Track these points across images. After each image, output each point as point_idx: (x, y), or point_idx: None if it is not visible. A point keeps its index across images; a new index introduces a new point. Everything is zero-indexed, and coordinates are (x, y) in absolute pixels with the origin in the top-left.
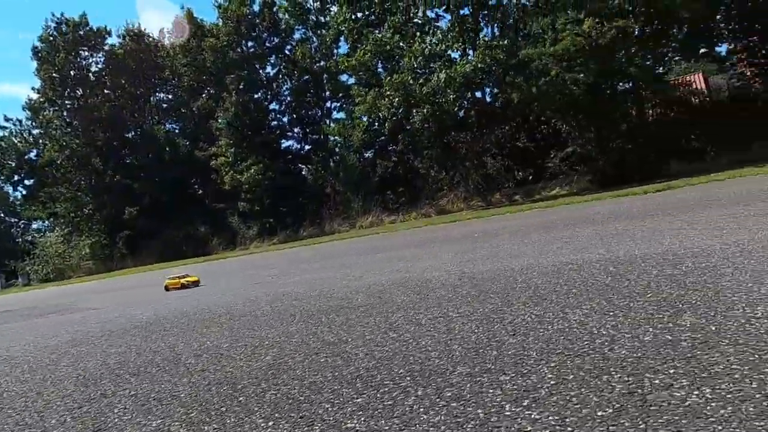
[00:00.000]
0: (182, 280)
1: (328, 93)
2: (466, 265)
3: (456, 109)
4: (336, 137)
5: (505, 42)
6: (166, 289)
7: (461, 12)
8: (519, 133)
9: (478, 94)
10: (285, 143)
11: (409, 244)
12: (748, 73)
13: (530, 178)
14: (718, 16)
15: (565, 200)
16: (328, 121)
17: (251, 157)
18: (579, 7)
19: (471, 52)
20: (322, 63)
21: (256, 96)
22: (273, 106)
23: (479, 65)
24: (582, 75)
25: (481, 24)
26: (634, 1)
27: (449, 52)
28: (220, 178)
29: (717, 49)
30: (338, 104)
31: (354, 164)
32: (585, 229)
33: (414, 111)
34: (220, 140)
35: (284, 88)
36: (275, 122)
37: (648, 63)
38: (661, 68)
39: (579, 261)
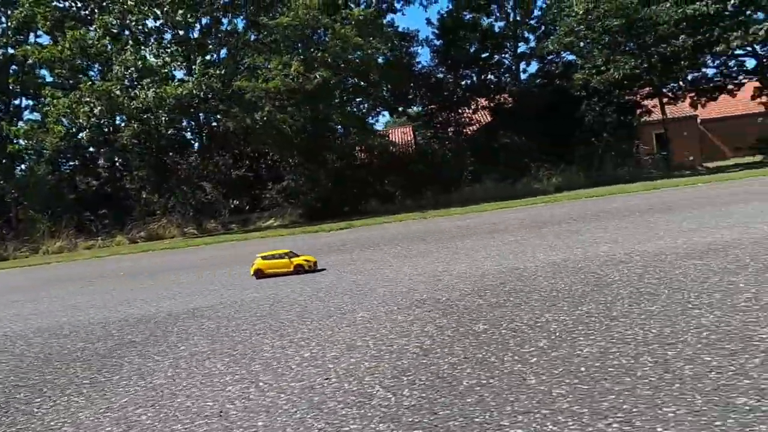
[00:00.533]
0: (294, 260)
1: (18, 88)
2: None
3: (169, 131)
4: (23, 141)
5: (223, 71)
6: (259, 274)
7: (189, 32)
8: (240, 162)
9: (202, 117)
10: None
11: None
12: (428, 134)
13: (247, 207)
14: (411, 84)
15: (275, 231)
16: (15, 120)
17: None
18: (290, 52)
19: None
20: (10, 49)
21: None
22: None
23: (194, 90)
24: (294, 117)
25: (210, 46)
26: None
27: (169, 69)
28: None
29: (413, 109)
30: (32, 103)
31: (45, 176)
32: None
33: (123, 126)
34: None
35: None
36: None
37: (360, 112)
38: (371, 118)
39: None
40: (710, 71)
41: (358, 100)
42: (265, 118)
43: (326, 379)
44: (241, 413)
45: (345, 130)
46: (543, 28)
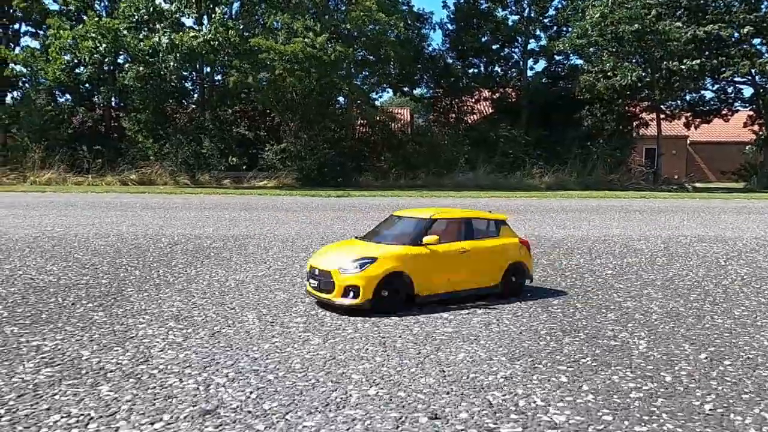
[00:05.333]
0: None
1: (18, 12)
2: None
3: (177, 78)
4: (22, 68)
5: (241, 25)
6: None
7: None
8: (240, 120)
9: (207, 69)
10: None
11: None
12: (431, 117)
13: (244, 167)
14: (419, 65)
15: (269, 191)
16: (13, 46)
17: None
18: (313, 17)
19: (206, 22)
20: None
21: None
22: None
23: (210, 41)
24: (306, 81)
25: None
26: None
27: (180, 15)
28: None
29: (417, 90)
30: (33, 30)
31: (43, 106)
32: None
33: (126, 66)
34: None
35: None
36: None
37: (365, 87)
38: (374, 94)
39: None
40: (708, 94)
41: (365, 73)
42: (274, 78)
43: None
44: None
45: (348, 101)
46: (555, 27)
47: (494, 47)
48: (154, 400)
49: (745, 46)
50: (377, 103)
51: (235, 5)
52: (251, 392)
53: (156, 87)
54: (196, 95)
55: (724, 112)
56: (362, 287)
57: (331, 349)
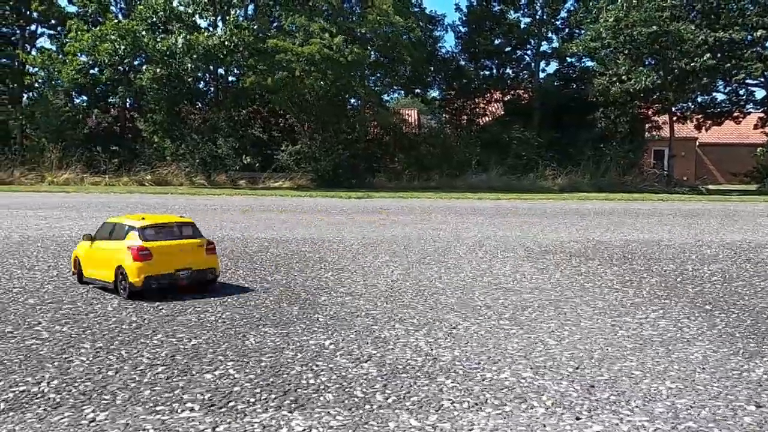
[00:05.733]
0: None
1: (35, 14)
2: None
3: (192, 79)
4: (38, 70)
5: (255, 26)
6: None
7: None
8: (255, 120)
9: (222, 71)
10: None
11: None
12: (443, 119)
13: (257, 166)
14: (431, 67)
15: (285, 192)
16: (29, 48)
17: None
18: (329, 20)
19: (221, 24)
20: None
21: None
22: None
23: (226, 42)
24: (322, 83)
25: (235, 1)
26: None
27: (195, 17)
28: None
29: (429, 92)
30: (50, 32)
31: (60, 107)
32: None
33: (144, 67)
34: None
35: None
36: None
37: (377, 88)
38: (386, 96)
39: None
40: (720, 96)
41: (378, 75)
42: (290, 79)
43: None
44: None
45: (362, 103)
46: (567, 30)
47: (506, 49)
48: None
49: (758, 49)
50: (388, 104)
51: (250, 7)
52: None
53: (171, 88)
54: (210, 96)
55: (735, 114)
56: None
57: None
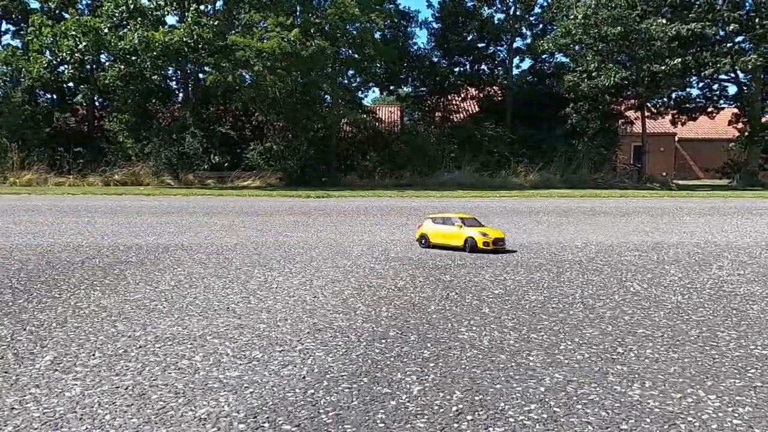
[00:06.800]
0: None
1: (0, 11)
2: None
3: (158, 77)
4: (1, 66)
5: (216, 23)
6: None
7: None
8: (224, 119)
9: (189, 68)
10: None
11: None
12: (416, 116)
13: (226, 165)
14: (404, 64)
15: (251, 192)
16: None
17: None
18: (288, 14)
19: (187, 20)
20: None
21: None
22: None
23: (184, 38)
24: (284, 80)
25: None
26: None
27: (161, 13)
28: None
29: (403, 89)
30: (14, 28)
31: (21, 105)
32: None
33: (108, 65)
34: None
35: None
36: None
37: (352, 85)
38: (360, 93)
39: None
40: (694, 92)
41: (350, 72)
42: (254, 77)
43: (315, 297)
44: (245, 311)
45: (333, 100)
46: (541, 26)
47: (480, 45)
48: None
49: (729, 44)
50: (365, 101)
51: (218, 3)
52: None
53: (137, 86)
54: (181, 95)
55: (710, 109)
56: None
57: None
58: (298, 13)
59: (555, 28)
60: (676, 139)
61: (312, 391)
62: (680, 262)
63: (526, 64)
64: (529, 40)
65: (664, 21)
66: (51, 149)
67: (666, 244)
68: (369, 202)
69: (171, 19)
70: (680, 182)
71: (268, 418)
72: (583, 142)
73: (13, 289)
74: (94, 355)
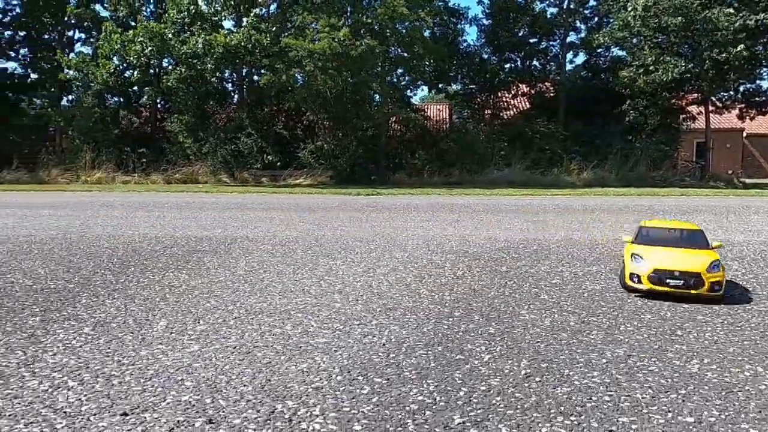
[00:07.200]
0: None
1: (72, 20)
2: None
3: (214, 79)
4: (74, 72)
5: (273, 28)
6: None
7: None
8: (277, 119)
9: (245, 70)
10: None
11: None
12: (465, 113)
13: (278, 164)
14: (454, 62)
15: (303, 189)
16: (67, 51)
17: None
18: (338, 15)
19: (245, 23)
20: None
21: None
22: None
23: (242, 42)
24: (337, 80)
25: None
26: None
27: (219, 18)
28: None
29: (453, 87)
30: (85, 36)
31: (92, 108)
32: None
33: (170, 68)
34: None
35: None
36: None
37: (401, 83)
38: (409, 91)
39: None
40: (765, 84)
41: (399, 71)
42: (306, 78)
43: (380, 283)
44: (319, 292)
45: (382, 99)
46: (596, 19)
47: (532, 41)
48: None
49: None
50: (413, 100)
51: (272, 6)
52: None
53: (197, 88)
54: (236, 96)
55: None
56: None
57: None
58: (348, 14)
59: (611, 20)
60: (744, 134)
61: (393, 355)
62: (744, 259)
63: (580, 58)
64: (583, 34)
65: (731, 11)
66: (118, 149)
67: (731, 241)
68: (418, 200)
69: (228, 24)
70: (748, 180)
71: (360, 372)
72: (641, 138)
73: (113, 271)
74: (198, 322)
